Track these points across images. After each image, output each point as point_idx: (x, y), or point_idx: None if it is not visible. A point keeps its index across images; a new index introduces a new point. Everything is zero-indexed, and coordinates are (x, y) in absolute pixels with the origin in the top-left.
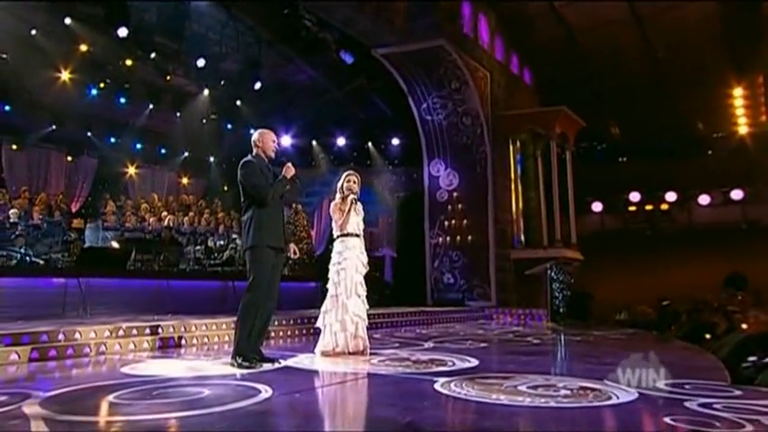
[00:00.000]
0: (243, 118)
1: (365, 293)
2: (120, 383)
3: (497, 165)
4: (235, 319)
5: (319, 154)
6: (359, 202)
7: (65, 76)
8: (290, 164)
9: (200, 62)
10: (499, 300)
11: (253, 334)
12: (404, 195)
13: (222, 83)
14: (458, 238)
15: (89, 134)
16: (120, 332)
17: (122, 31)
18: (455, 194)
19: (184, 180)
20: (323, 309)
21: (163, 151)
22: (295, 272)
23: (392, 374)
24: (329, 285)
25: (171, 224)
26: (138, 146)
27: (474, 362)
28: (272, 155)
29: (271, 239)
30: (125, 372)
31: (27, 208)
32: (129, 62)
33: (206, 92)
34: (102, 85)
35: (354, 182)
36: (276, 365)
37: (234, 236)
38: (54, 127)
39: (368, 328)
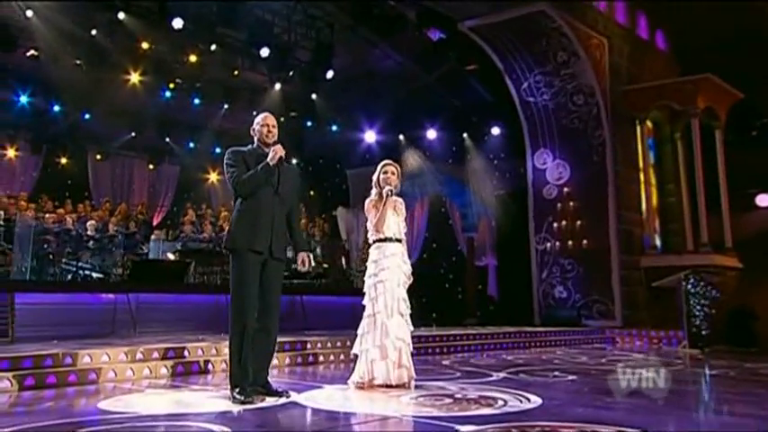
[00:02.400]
0: (323, 114)
1: (409, 312)
2: (67, 423)
3: (620, 152)
4: (292, 338)
5: (407, 150)
6: (400, 199)
7: (134, 78)
8: (277, 146)
9: (264, 52)
10: (626, 319)
11: (249, 361)
12: (504, 193)
13: (291, 74)
14: (570, 242)
15: (168, 140)
16: (139, 355)
17: (177, 23)
18: (566, 190)
19: None
20: (359, 331)
21: None
22: None
23: (409, 419)
24: (365, 302)
25: None
26: (218, 150)
27: (536, 402)
28: (269, 141)
29: (253, 241)
30: (100, 407)
31: (107, 219)
32: (193, 58)
33: (277, 86)
34: (172, 85)
35: (393, 173)
36: (284, 399)
37: (314, 245)
38: (134, 134)
39: (444, 352)
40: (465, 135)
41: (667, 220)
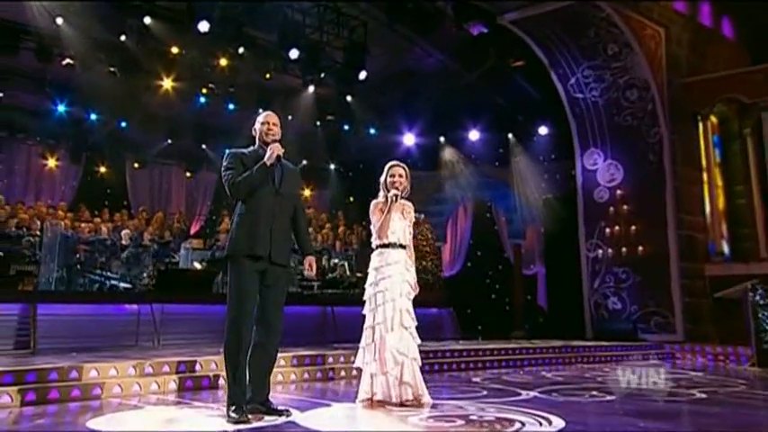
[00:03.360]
0: (360, 116)
1: (415, 324)
2: None
3: (679, 150)
4: (312, 351)
5: (448, 152)
6: (409, 203)
7: (167, 84)
8: (275, 144)
9: (294, 53)
10: (687, 333)
11: (251, 376)
12: (552, 196)
13: (323, 75)
14: (624, 249)
15: (204, 146)
16: (148, 369)
17: (203, 26)
18: (619, 193)
19: (307, 192)
20: (361, 344)
21: None
22: (419, 293)
23: None
24: (365, 311)
25: None
26: None
27: (557, 425)
28: (269, 140)
29: (251, 246)
30: (89, 425)
31: (143, 229)
32: (223, 61)
33: (311, 89)
34: (204, 90)
35: (401, 175)
36: (283, 419)
37: (351, 253)
38: (170, 141)
39: (477, 368)
40: (510, 135)
41: (736, 224)
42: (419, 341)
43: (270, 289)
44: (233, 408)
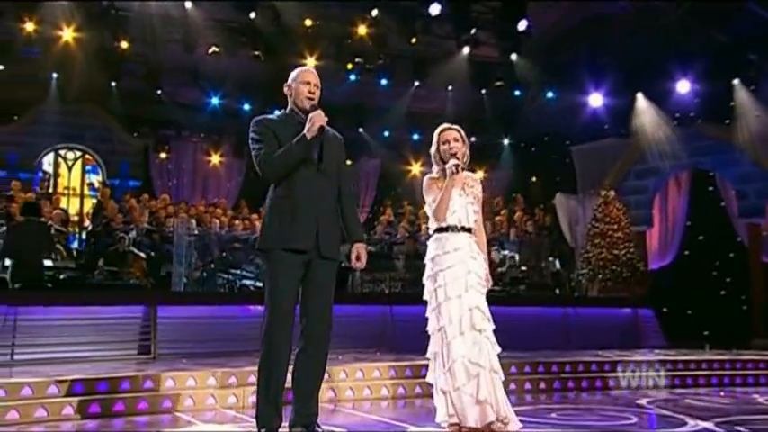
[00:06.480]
0: (534, 79)
1: (492, 327)
2: None
3: None
4: (417, 362)
5: (649, 112)
6: (473, 175)
7: (311, 62)
8: (316, 112)
9: (435, 9)
10: None
11: (279, 393)
12: None
13: (474, 31)
14: None
15: (361, 130)
16: (232, 379)
17: None
18: None
19: (480, 173)
20: (428, 353)
21: None
22: (608, 290)
23: None
24: (427, 314)
25: None
26: (416, 136)
27: None
28: (307, 106)
29: (290, 238)
30: None
31: None
32: (362, 29)
33: (465, 50)
34: (350, 66)
35: (456, 139)
36: None
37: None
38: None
39: (664, 385)
40: (736, 82)
41: None
42: (499, 349)
43: (315, 286)
44: (263, 430)
